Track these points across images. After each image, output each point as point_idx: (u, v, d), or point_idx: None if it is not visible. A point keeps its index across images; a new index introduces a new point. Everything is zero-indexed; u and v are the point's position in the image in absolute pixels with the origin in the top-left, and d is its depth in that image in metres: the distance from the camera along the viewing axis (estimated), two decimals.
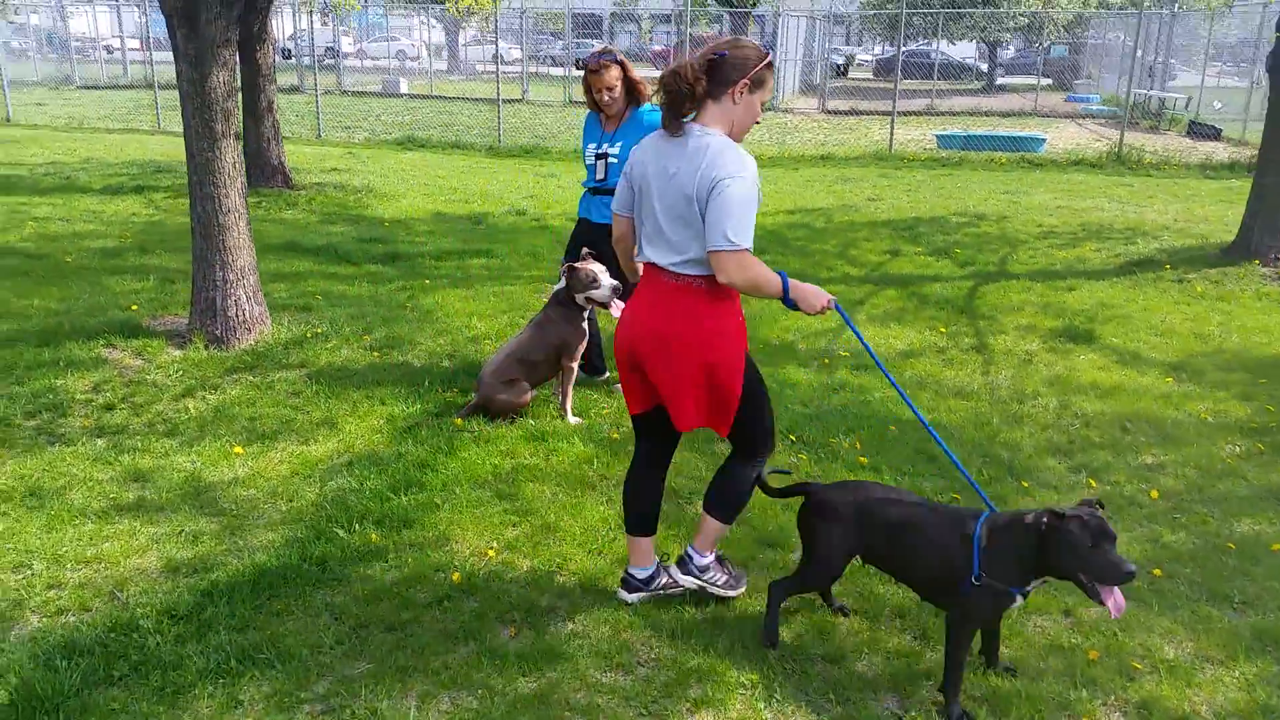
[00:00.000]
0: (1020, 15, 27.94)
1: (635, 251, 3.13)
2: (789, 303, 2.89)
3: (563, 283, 4.84)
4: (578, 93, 25.26)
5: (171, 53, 5.32)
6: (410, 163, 14.37)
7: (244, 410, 4.85)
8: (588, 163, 5.03)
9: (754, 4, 35.52)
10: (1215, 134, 17.27)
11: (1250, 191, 8.15)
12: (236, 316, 5.64)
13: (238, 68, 5.39)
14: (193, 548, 3.58)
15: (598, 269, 4.77)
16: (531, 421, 4.79)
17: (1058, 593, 3.38)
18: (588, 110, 5.03)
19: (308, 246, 8.50)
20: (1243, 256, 7.93)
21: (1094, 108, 23.39)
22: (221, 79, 5.24)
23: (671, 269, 2.92)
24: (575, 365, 4.89)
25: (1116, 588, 2.57)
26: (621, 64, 4.74)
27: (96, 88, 26.83)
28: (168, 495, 3.96)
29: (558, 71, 33.13)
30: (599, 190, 4.99)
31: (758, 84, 2.87)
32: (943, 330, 6.54)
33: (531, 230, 9.60)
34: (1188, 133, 17.76)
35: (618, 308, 4.82)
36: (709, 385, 2.98)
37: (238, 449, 4.42)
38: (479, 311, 6.67)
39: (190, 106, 5.27)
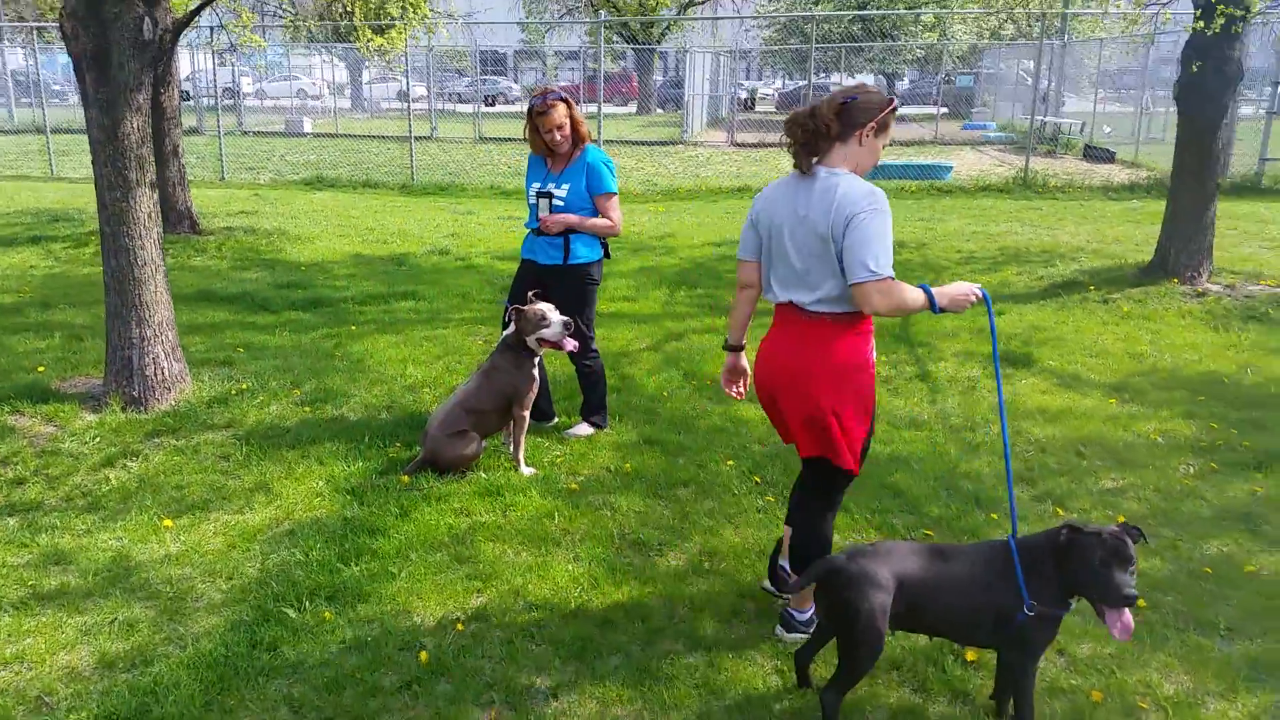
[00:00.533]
0: (917, 48, 28.87)
1: (763, 292, 3.22)
2: (938, 311, 2.90)
3: (511, 327, 4.64)
4: (488, 129, 25.33)
5: (80, 97, 4.98)
6: (321, 203, 13.94)
7: (170, 478, 4.49)
8: (530, 203, 4.86)
9: (659, 40, 35.97)
10: (1110, 157, 17.99)
11: (1165, 213, 8.42)
12: (155, 375, 5.25)
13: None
14: (128, 639, 3.23)
15: (545, 307, 4.59)
16: (484, 475, 4.55)
17: None
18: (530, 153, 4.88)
19: (223, 295, 8.09)
20: (1161, 276, 8.17)
21: (992, 134, 24.21)
22: (135, 125, 4.91)
23: (807, 307, 3.01)
24: (527, 414, 4.67)
25: (1126, 612, 2.59)
26: (566, 101, 4.60)
27: None
28: (94, 579, 3.60)
29: (465, 108, 32.88)
30: (542, 231, 4.82)
31: (882, 128, 3.01)
32: (883, 359, 6.53)
33: (457, 270, 9.35)
34: (1084, 156, 18.48)
35: (571, 344, 4.64)
36: (839, 419, 3.02)
37: (167, 522, 4.07)
38: (413, 358, 6.39)
39: (102, 154, 4.91)
